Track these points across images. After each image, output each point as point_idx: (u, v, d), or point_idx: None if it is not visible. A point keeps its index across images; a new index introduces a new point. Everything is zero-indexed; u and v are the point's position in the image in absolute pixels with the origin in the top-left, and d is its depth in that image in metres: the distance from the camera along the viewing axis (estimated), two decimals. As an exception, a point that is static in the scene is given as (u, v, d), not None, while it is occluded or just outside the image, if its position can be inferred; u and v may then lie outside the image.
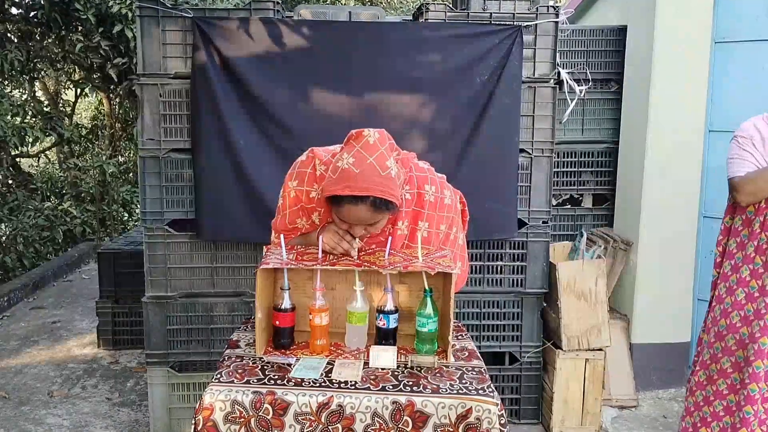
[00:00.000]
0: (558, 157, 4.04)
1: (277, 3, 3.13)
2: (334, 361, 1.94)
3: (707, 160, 3.88)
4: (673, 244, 3.88)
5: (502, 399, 3.49)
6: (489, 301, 3.45)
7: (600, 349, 3.42)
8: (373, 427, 1.74)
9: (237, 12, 3.11)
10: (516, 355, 3.51)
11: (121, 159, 9.00)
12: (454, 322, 2.22)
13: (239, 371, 1.87)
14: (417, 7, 3.35)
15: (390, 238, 2.07)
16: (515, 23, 3.18)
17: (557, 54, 3.31)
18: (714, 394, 2.76)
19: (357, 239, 2.02)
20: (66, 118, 8.58)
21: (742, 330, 2.66)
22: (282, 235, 2.04)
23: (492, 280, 3.44)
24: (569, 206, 4.27)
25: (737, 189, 2.68)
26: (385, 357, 1.94)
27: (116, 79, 5.92)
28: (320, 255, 2.00)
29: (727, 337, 2.70)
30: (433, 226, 2.12)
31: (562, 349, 3.39)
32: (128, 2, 5.22)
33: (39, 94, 8.65)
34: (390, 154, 1.89)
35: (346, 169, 1.83)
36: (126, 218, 8.61)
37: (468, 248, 3.37)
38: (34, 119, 6.92)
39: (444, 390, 1.79)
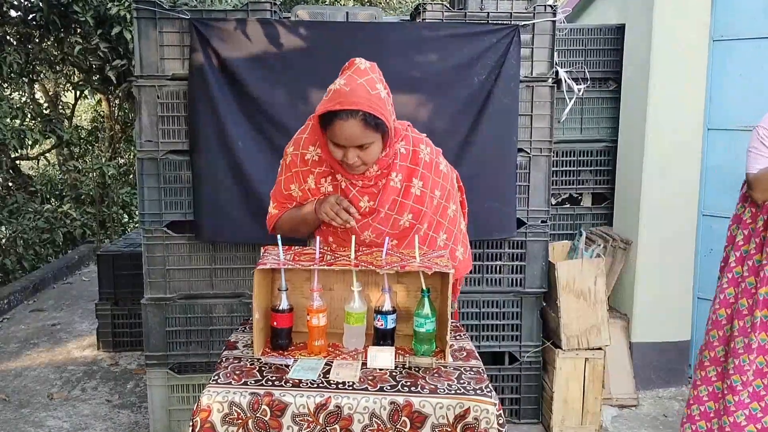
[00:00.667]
0: (557, 157, 4.04)
1: (275, 4, 3.13)
2: (332, 362, 1.94)
3: (706, 159, 3.87)
4: (672, 243, 3.88)
5: (502, 399, 3.50)
6: (488, 300, 3.44)
7: (600, 349, 3.42)
8: (371, 428, 1.73)
9: (234, 13, 3.11)
10: (516, 355, 3.51)
11: (120, 161, 8.99)
12: (452, 322, 2.22)
13: (237, 372, 1.87)
14: (414, 7, 3.35)
15: (387, 239, 2.08)
16: (512, 22, 3.18)
17: (555, 53, 3.30)
18: (702, 379, 2.87)
19: (356, 214, 2.05)
20: (65, 120, 8.57)
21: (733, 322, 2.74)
22: (279, 236, 2.04)
23: (491, 279, 3.44)
24: (568, 205, 4.27)
25: (751, 186, 2.71)
26: (383, 357, 1.94)
27: (115, 81, 5.92)
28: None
29: (724, 326, 2.77)
30: (427, 187, 2.15)
31: (561, 349, 3.39)
32: (127, 4, 5.22)
33: (38, 96, 8.66)
34: (380, 80, 1.97)
35: (337, 89, 1.92)
36: (126, 220, 8.60)
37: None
38: (33, 121, 6.92)
39: (442, 390, 1.79)
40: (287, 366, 1.91)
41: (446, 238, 2.24)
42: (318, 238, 2.05)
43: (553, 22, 3.24)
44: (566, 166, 4.13)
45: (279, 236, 2.04)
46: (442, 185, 2.20)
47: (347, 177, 2.08)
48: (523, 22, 3.19)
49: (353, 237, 2.07)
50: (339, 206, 2.02)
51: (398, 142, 2.10)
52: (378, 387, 1.79)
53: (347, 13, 3.24)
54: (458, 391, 1.78)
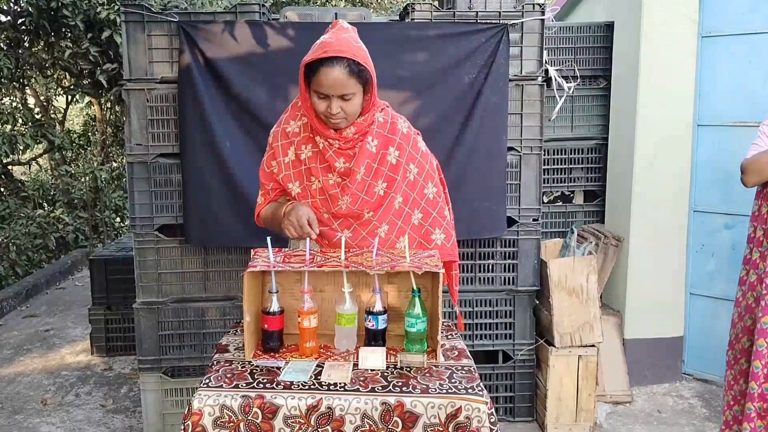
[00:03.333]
0: (548, 155, 4.04)
1: (263, 6, 3.13)
2: (324, 364, 1.94)
3: (696, 155, 3.89)
4: (664, 239, 3.89)
5: (495, 397, 3.50)
6: (481, 299, 3.45)
7: (592, 346, 3.42)
8: (363, 429, 1.73)
9: (223, 15, 3.11)
10: (509, 353, 3.51)
11: (113, 165, 8.98)
12: (444, 322, 2.23)
13: (228, 375, 1.86)
14: (403, 7, 3.35)
15: (377, 238, 2.08)
16: (501, 21, 3.19)
17: (545, 51, 3.31)
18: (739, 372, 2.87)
19: (317, 229, 2.06)
20: (57, 124, 8.55)
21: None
22: (269, 239, 2.03)
23: (484, 278, 3.44)
24: (560, 203, 4.28)
25: (743, 170, 2.77)
26: (374, 358, 1.94)
27: (106, 85, 5.89)
28: (271, 257, 2.00)
29: (744, 317, 2.81)
30: (403, 158, 2.19)
31: (554, 346, 3.39)
32: (116, 8, 5.21)
33: (29, 101, 8.62)
34: (362, 43, 2.06)
35: (323, 41, 2.00)
36: (119, 224, 8.58)
37: (459, 247, 3.39)
38: (24, 126, 6.89)
39: (433, 390, 1.79)
40: (278, 368, 1.91)
41: (422, 218, 2.25)
42: (307, 239, 2.04)
43: (542, 20, 3.25)
44: (557, 164, 4.14)
45: (269, 239, 2.04)
46: (420, 162, 2.23)
47: (325, 135, 2.10)
48: (512, 21, 3.20)
49: (342, 239, 2.07)
50: (304, 218, 2.03)
51: (378, 112, 2.16)
52: (369, 388, 1.79)
53: (336, 14, 3.24)
54: (450, 391, 1.78)
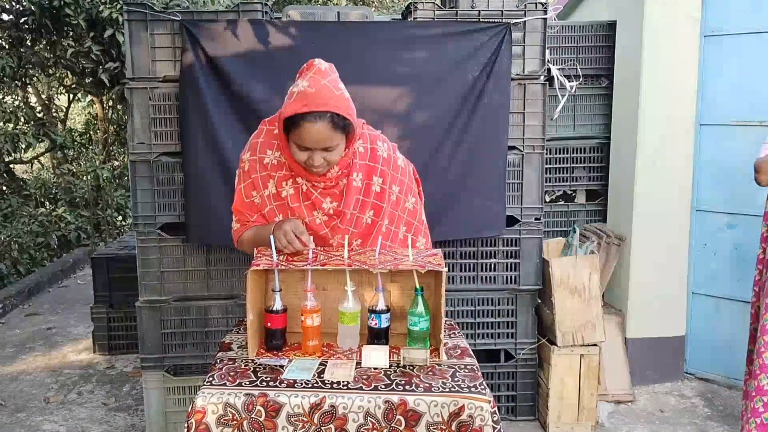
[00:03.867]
0: (550, 154, 4.04)
1: (266, 4, 3.13)
2: (327, 362, 1.94)
3: (699, 154, 3.89)
4: (666, 239, 3.89)
5: (497, 396, 3.50)
6: (483, 298, 3.45)
7: (595, 345, 3.42)
8: (366, 427, 1.74)
9: (225, 14, 3.11)
10: (511, 352, 3.51)
11: (115, 163, 8.99)
12: (447, 320, 2.23)
13: (231, 374, 1.87)
14: (406, 6, 3.35)
15: (380, 239, 2.09)
16: (504, 20, 3.18)
17: (547, 50, 3.31)
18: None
19: (309, 242, 2.02)
20: (59, 123, 8.56)
21: None
22: (272, 238, 2.03)
23: (486, 277, 3.44)
24: (562, 202, 4.28)
25: (756, 169, 2.78)
26: (377, 356, 1.94)
27: (108, 84, 5.90)
28: (274, 256, 1.99)
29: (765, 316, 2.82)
30: (387, 183, 2.16)
31: (557, 345, 3.39)
32: (119, 7, 5.22)
33: (31, 100, 8.63)
34: (342, 87, 1.97)
35: (302, 91, 1.90)
36: (121, 223, 8.59)
37: (460, 246, 3.40)
38: (26, 125, 6.90)
39: (436, 388, 1.79)
40: (282, 366, 1.91)
41: (406, 230, 2.24)
42: (310, 237, 2.04)
43: (545, 19, 3.25)
44: (559, 164, 4.14)
45: (272, 237, 2.03)
46: (400, 180, 2.21)
47: (309, 179, 2.07)
48: (515, 20, 3.20)
49: (346, 237, 2.07)
50: (292, 234, 1.97)
51: (356, 141, 2.09)
52: (372, 386, 1.79)
53: (338, 12, 3.24)
54: (452, 389, 1.79)
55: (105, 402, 3.92)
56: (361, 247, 2.17)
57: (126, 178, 8.71)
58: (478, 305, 3.45)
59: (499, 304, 3.46)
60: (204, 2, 5.30)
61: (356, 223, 2.14)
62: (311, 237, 2.05)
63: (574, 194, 4.29)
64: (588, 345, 3.41)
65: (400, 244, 2.21)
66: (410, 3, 3.23)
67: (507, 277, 3.45)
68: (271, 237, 2.02)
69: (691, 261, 3.96)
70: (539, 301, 3.54)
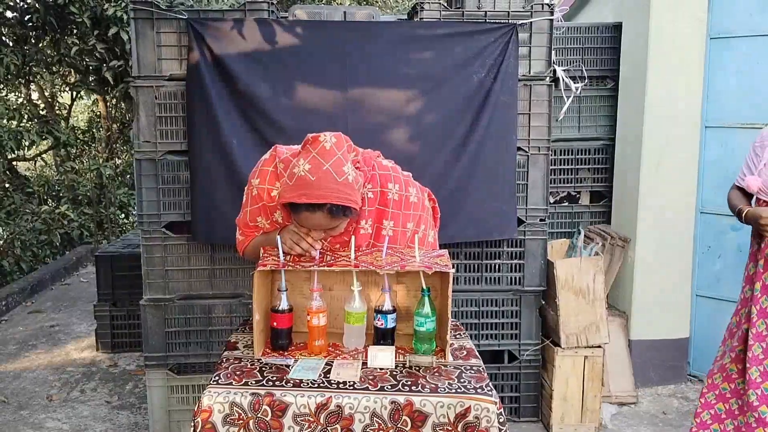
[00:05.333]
0: (555, 155, 4.04)
1: (272, 3, 3.13)
2: (333, 362, 1.94)
3: (704, 156, 3.88)
4: (670, 240, 3.88)
5: (501, 397, 3.50)
6: (487, 299, 3.45)
7: (599, 346, 3.42)
8: (372, 428, 1.74)
9: (232, 13, 3.11)
10: (515, 353, 3.51)
11: (117, 161, 8.99)
12: (452, 321, 2.22)
13: (237, 373, 1.87)
14: (412, 6, 3.35)
15: (385, 240, 2.08)
16: (510, 21, 3.18)
17: (553, 52, 3.30)
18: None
19: (319, 245, 2.01)
20: (62, 121, 8.56)
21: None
22: (279, 237, 2.03)
23: (490, 278, 3.44)
24: (567, 204, 4.27)
25: (757, 219, 2.74)
26: (383, 357, 1.94)
27: (112, 82, 5.90)
28: (281, 256, 1.99)
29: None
30: (399, 225, 2.11)
31: (560, 347, 3.39)
32: (123, 5, 5.21)
33: (35, 97, 8.63)
34: (347, 159, 1.88)
35: (302, 177, 1.83)
36: (123, 221, 8.59)
37: (465, 247, 3.39)
38: (30, 123, 6.90)
39: (442, 389, 1.79)
40: (288, 366, 1.91)
41: None
42: (279, 238, 2.02)
43: (551, 20, 3.24)
44: (564, 165, 4.14)
45: (278, 237, 2.03)
46: (413, 215, 2.14)
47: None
48: (521, 21, 3.19)
49: (353, 238, 2.07)
50: (299, 236, 1.97)
51: (365, 186, 2.03)
52: (379, 386, 1.79)
53: (345, 12, 3.24)
54: (459, 390, 1.79)
55: (108, 400, 3.92)
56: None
57: (128, 176, 8.72)
58: (482, 306, 3.45)
59: (503, 305, 3.46)
60: (207, 1, 5.30)
61: None
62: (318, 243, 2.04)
63: (578, 195, 4.28)
64: (592, 346, 3.41)
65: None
66: (416, 3, 3.23)
67: (511, 278, 3.44)
68: (278, 237, 2.02)
69: (695, 263, 3.96)
70: (543, 302, 3.53)
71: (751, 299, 2.75)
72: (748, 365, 2.70)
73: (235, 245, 2.27)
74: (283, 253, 2.00)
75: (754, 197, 2.80)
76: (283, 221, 2.10)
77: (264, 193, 2.07)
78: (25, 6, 6.14)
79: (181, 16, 3.07)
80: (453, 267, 1.98)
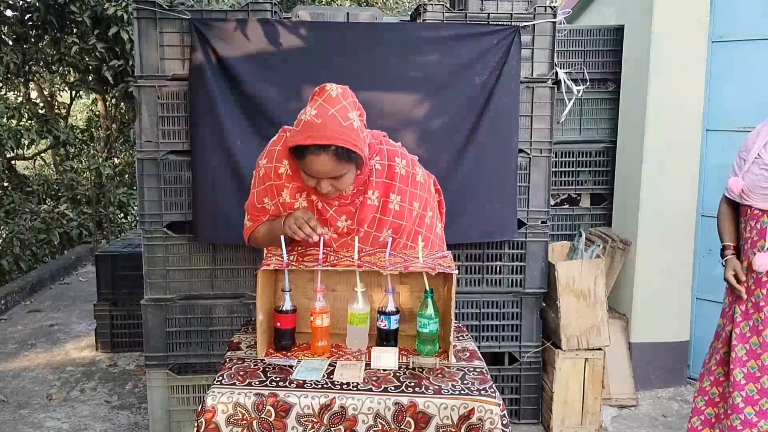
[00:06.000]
0: (556, 157, 4.04)
1: (275, 4, 3.13)
2: (336, 363, 1.94)
3: (705, 159, 3.89)
4: (671, 243, 3.89)
5: (501, 399, 3.49)
6: (488, 301, 3.45)
7: (599, 349, 3.42)
8: (376, 429, 1.73)
9: (235, 13, 3.10)
10: (515, 355, 3.51)
11: (116, 161, 8.98)
12: (455, 323, 2.22)
13: (241, 373, 1.86)
14: (414, 8, 3.35)
15: (389, 239, 2.08)
16: (513, 23, 3.18)
17: (555, 54, 3.31)
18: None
19: (323, 228, 2.01)
20: (61, 120, 8.55)
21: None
22: (282, 237, 2.03)
23: (491, 280, 3.44)
24: (567, 206, 4.27)
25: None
26: (386, 358, 1.94)
27: (112, 81, 5.89)
28: (285, 257, 1.99)
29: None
30: (406, 201, 2.12)
31: (561, 349, 3.39)
32: (124, 4, 5.21)
33: (34, 96, 8.62)
34: (353, 108, 1.93)
35: (308, 121, 1.87)
36: (122, 220, 8.59)
37: (467, 248, 3.39)
38: (29, 122, 6.90)
39: (446, 391, 1.79)
40: (291, 367, 1.91)
41: (423, 246, 2.21)
42: (322, 238, 2.04)
43: (554, 23, 3.25)
44: (565, 167, 4.14)
45: (282, 237, 2.03)
46: (420, 195, 2.16)
47: (322, 199, 2.06)
48: (524, 23, 3.20)
49: (356, 238, 2.07)
50: (302, 219, 1.97)
51: (373, 158, 2.07)
52: (382, 387, 1.79)
53: (348, 13, 3.24)
54: (462, 392, 1.79)
55: (108, 400, 3.92)
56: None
57: (128, 176, 8.71)
58: (483, 308, 3.45)
59: (504, 307, 3.46)
60: (208, 1, 5.30)
61: (372, 241, 2.12)
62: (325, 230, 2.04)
63: (579, 198, 4.29)
64: (593, 349, 3.41)
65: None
66: (419, 5, 3.23)
67: (512, 280, 3.44)
68: (282, 238, 2.02)
69: (696, 266, 3.96)
70: (544, 304, 3.53)
71: (736, 301, 2.76)
72: (731, 366, 2.71)
73: (239, 242, 2.27)
74: (288, 237, 2.00)
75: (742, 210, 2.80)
76: (290, 194, 2.10)
77: (271, 171, 2.10)
78: (26, 5, 6.14)
79: (184, 16, 3.07)
80: (455, 268, 1.98)
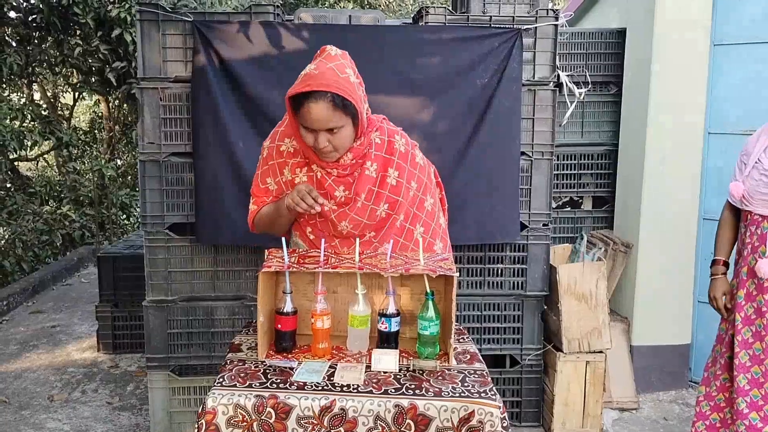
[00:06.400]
0: (558, 160, 4.05)
1: (277, 7, 3.14)
2: (336, 365, 1.94)
3: (707, 163, 3.88)
4: (673, 246, 3.88)
5: (503, 402, 3.49)
6: (489, 303, 3.45)
7: (600, 352, 3.42)
8: (376, 431, 1.74)
9: (237, 16, 3.11)
10: (517, 358, 3.51)
11: (119, 162, 9.00)
12: (456, 325, 2.23)
13: (242, 375, 1.87)
14: (417, 10, 3.36)
15: (391, 241, 2.09)
16: (515, 26, 3.19)
17: (557, 57, 3.31)
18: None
19: (324, 200, 2.05)
20: (64, 121, 8.57)
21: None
22: (284, 239, 2.04)
23: (492, 282, 3.44)
24: (569, 209, 4.28)
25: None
26: (386, 360, 1.94)
27: (115, 83, 5.91)
28: (285, 257, 1.99)
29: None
30: (404, 178, 2.16)
31: (562, 352, 3.39)
32: (127, 6, 5.23)
33: (37, 97, 8.65)
34: (351, 67, 2.02)
35: (307, 73, 1.97)
36: (124, 222, 8.60)
37: (468, 251, 3.39)
38: (32, 123, 6.92)
39: (446, 393, 1.79)
40: (292, 369, 1.91)
41: (423, 231, 2.24)
42: (322, 240, 2.05)
43: (555, 26, 3.25)
44: (567, 170, 4.14)
45: (284, 239, 2.04)
46: (419, 177, 2.21)
47: (321, 165, 2.09)
48: (526, 26, 3.20)
49: (357, 240, 2.08)
50: (304, 191, 2.02)
51: (373, 132, 2.13)
52: (382, 390, 1.79)
53: (350, 16, 3.25)
54: (462, 394, 1.79)
55: (109, 401, 3.92)
56: (374, 239, 2.17)
57: (130, 177, 8.72)
58: (485, 310, 3.45)
59: (505, 310, 3.46)
60: (212, 3, 5.31)
61: (369, 214, 2.14)
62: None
63: (580, 200, 4.29)
64: (594, 352, 3.41)
65: (415, 244, 2.20)
66: (422, 7, 3.24)
67: (514, 282, 3.44)
68: (283, 239, 2.03)
69: (698, 269, 3.95)
70: (545, 307, 3.53)
71: (736, 307, 2.75)
72: (735, 373, 2.70)
73: (241, 244, 2.28)
74: (289, 209, 2.05)
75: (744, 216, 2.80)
76: (291, 169, 2.15)
77: (273, 150, 2.17)
78: (29, 6, 6.16)
79: (186, 19, 3.08)
80: (456, 271, 1.99)
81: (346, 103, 1.94)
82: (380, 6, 10.17)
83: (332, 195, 2.11)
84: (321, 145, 1.98)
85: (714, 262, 2.89)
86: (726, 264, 2.86)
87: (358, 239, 2.08)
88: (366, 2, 10.02)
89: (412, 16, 3.55)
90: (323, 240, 2.04)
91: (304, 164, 2.13)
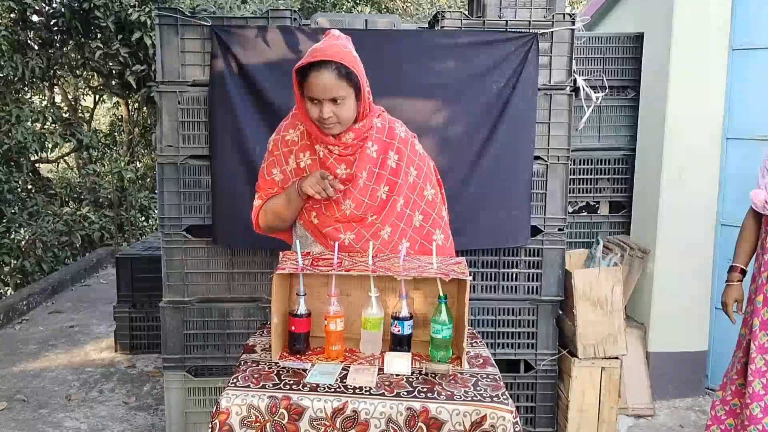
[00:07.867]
0: (574, 164, 4.03)
1: (295, 11, 3.16)
2: (349, 367, 1.96)
3: (725, 168, 3.86)
4: (690, 252, 3.86)
5: (516, 407, 3.47)
6: (504, 308, 3.44)
7: (616, 358, 3.40)
8: (388, 433, 1.74)
9: (255, 20, 3.14)
10: (531, 363, 3.50)
11: (138, 165, 9.08)
12: (469, 329, 2.23)
13: (255, 376, 1.88)
14: (433, 15, 3.36)
15: (406, 243, 2.09)
16: (531, 31, 3.18)
17: (573, 61, 3.30)
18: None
19: (339, 185, 2.11)
20: (85, 124, 8.68)
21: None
22: (298, 241, 2.06)
23: (507, 287, 3.43)
24: (585, 213, 4.25)
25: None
26: (399, 363, 1.95)
27: (135, 86, 5.98)
28: (299, 260, 2.00)
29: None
30: (403, 161, 2.22)
31: (577, 357, 3.37)
32: (147, 10, 5.29)
33: (58, 100, 8.76)
34: (352, 49, 2.11)
35: (313, 48, 2.07)
36: (143, 224, 8.67)
37: (483, 255, 3.39)
38: (53, 125, 7.01)
39: (458, 397, 1.79)
40: (305, 370, 1.93)
41: (422, 219, 2.27)
42: (336, 243, 2.06)
43: (572, 30, 3.24)
44: (583, 174, 4.13)
45: (297, 242, 2.06)
46: (418, 164, 2.27)
47: (325, 142, 2.14)
48: (542, 31, 3.20)
49: (371, 243, 2.09)
50: (318, 175, 2.09)
51: (375, 117, 2.20)
52: (395, 392, 1.80)
53: (366, 20, 3.26)
54: (475, 398, 1.79)
55: (126, 401, 3.96)
56: (377, 221, 2.20)
57: (149, 180, 8.81)
58: (499, 315, 3.44)
59: (520, 314, 3.45)
60: (230, 8, 5.36)
61: (371, 194, 2.18)
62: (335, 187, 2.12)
63: (597, 206, 4.27)
64: (609, 358, 3.39)
65: (414, 231, 2.24)
66: (438, 12, 3.24)
67: (529, 287, 3.44)
68: (296, 240, 2.05)
69: (715, 275, 3.92)
70: (560, 312, 3.52)
71: (754, 312, 2.74)
72: (750, 378, 2.68)
73: (257, 247, 2.30)
74: (303, 194, 2.11)
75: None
76: (295, 154, 2.21)
77: (279, 141, 2.25)
78: (51, 10, 6.25)
79: (205, 23, 3.11)
80: (470, 275, 1.99)
81: (350, 73, 2.02)
82: (397, 10, 10.20)
83: (334, 173, 2.17)
84: (326, 114, 2.04)
85: (731, 269, 2.88)
86: (743, 271, 2.85)
87: (371, 244, 2.09)
88: (383, 6, 10.05)
89: (428, 20, 3.56)
90: (336, 243, 2.05)
91: (307, 147, 2.19)
